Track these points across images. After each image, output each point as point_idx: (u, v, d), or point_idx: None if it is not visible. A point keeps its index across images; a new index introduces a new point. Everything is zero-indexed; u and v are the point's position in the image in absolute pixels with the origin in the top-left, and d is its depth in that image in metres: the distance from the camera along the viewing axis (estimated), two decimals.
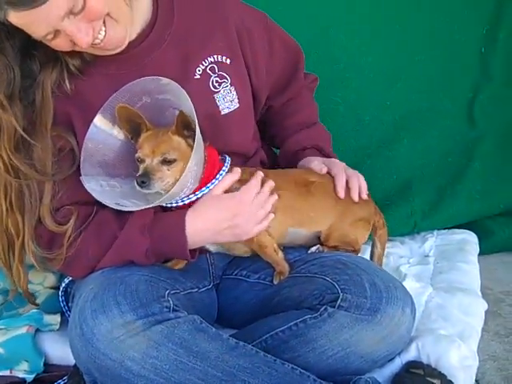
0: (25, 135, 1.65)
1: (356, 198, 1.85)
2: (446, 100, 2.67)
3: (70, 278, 1.85)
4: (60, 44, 1.61)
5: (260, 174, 1.74)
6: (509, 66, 2.65)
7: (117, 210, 1.65)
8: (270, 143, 2.10)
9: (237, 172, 1.73)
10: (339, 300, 1.63)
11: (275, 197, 1.75)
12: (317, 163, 1.91)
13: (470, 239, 2.48)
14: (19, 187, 1.68)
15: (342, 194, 1.84)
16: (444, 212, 2.56)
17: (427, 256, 2.39)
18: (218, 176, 1.71)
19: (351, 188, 1.86)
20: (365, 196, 1.87)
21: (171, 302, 1.58)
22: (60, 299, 1.90)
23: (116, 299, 1.55)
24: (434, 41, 2.62)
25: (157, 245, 1.67)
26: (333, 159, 1.96)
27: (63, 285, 1.88)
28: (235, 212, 1.68)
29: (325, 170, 1.89)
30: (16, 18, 1.52)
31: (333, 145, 2.44)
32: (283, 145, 2.03)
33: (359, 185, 1.87)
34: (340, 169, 1.89)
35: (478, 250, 2.43)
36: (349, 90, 2.61)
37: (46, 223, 1.69)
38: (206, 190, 1.69)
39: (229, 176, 1.72)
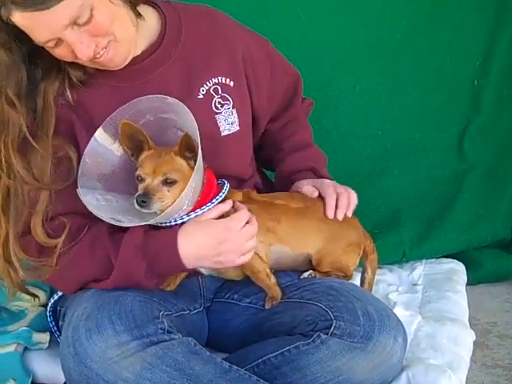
0: (29, 137, 1.63)
1: (340, 217, 1.84)
2: (436, 131, 2.69)
3: (59, 295, 1.83)
4: (61, 53, 1.62)
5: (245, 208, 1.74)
6: (500, 100, 2.68)
7: (110, 225, 1.64)
8: (265, 166, 2.11)
9: (228, 203, 1.72)
10: (332, 327, 1.63)
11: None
12: (308, 187, 1.91)
13: (458, 269, 2.49)
14: (7, 187, 1.66)
15: (330, 214, 1.84)
16: (432, 242, 2.58)
17: (415, 284, 2.40)
18: (213, 200, 1.71)
19: (338, 207, 1.85)
20: (349, 214, 1.86)
21: (166, 324, 1.58)
22: (48, 317, 1.87)
23: (111, 319, 1.54)
24: (428, 72, 2.64)
25: (152, 264, 1.65)
26: (322, 179, 1.95)
27: (51, 301, 1.85)
28: (220, 239, 1.67)
29: (316, 194, 1.89)
30: (19, 18, 1.53)
31: None
32: (278, 167, 2.03)
33: (348, 203, 1.87)
34: (330, 189, 1.89)
35: (466, 280, 2.45)
36: (342, 117, 2.62)
37: (37, 233, 1.66)
38: (200, 212, 1.69)
39: (220, 206, 1.71)
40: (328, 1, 2.55)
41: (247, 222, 1.70)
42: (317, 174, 1.99)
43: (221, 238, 1.67)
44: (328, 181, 1.95)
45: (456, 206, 2.64)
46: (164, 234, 1.68)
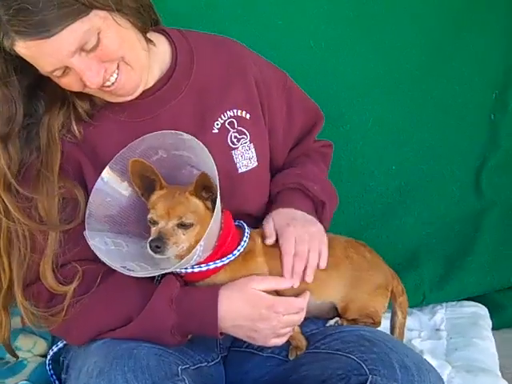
0: (14, 182, 1.52)
1: (295, 286, 1.63)
2: (453, 167, 2.59)
3: (60, 346, 1.70)
4: (69, 83, 1.52)
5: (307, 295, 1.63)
6: None
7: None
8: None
9: (288, 282, 1.61)
10: (368, 383, 1.49)
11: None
12: (268, 226, 1.70)
13: (482, 313, 2.38)
14: (8, 229, 1.55)
15: (287, 277, 1.63)
16: (454, 284, 2.46)
17: (438, 330, 2.29)
18: (239, 247, 1.60)
19: (294, 272, 1.63)
20: (308, 279, 1.65)
21: (186, 381, 1.45)
22: (47, 369, 1.75)
23: (125, 376, 1.40)
24: (443, 106, 2.56)
25: (184, 320, 1.53)
26: (288, 229, 1.69)
27: (51, 353, 1.73)
28: (261, 316, 1.55)
29: (270, 242, 1.66)
30: (23, 48, 1.44)
31: (337, 210, 2.33)
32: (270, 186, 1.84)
33: (306, 264, 1.64)
34: (290, 242, 1.65)
35: (491, 324, 2.33)
36: (354, 153, 2.52)
37: (47, 279, 1.55)
38: (220, 264, 1.57)
39: (279, 281, 1.61)
40: (341, 34, 2.47)
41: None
42: (307, 193, 1.80)
43: (262, 314, 1.55)
44: (292, 229, 1.68)
45: (476, 245, 2.53)
46: (204, 292, 1.56)
